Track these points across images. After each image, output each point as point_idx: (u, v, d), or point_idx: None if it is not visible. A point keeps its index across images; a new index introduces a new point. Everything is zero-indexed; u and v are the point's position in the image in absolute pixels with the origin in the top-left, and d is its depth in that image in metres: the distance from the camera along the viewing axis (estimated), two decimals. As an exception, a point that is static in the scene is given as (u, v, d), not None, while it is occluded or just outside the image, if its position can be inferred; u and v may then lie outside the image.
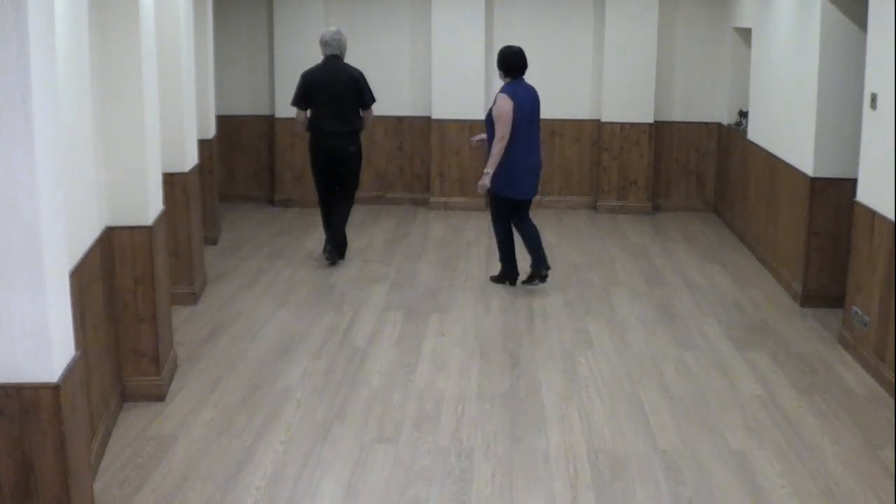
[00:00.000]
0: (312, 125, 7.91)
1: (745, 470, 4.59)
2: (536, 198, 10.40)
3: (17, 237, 3.01)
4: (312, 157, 8.03)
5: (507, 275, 7.56)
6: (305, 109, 7.91)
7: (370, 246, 8.82)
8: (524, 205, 7.45)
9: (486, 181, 7.22)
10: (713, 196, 10.50)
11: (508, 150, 7.11)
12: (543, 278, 7.42)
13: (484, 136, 7.44)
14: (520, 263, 7.60)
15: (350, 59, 10.07)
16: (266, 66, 10.61)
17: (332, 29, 8.05)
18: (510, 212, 7.41)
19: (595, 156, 10.48)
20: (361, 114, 7.94)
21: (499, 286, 7.56)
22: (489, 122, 7.19)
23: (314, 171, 8.08)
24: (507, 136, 7.05)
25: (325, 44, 7.90)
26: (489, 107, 7.34)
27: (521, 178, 7.25)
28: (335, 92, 7.80)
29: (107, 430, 4.80)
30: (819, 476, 4.53)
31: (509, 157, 7.14)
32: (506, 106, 7.02)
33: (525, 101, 7.12)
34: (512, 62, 7.16)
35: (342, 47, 7.93)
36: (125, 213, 5.13)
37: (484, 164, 7.32)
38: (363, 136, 8.24)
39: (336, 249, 8.08)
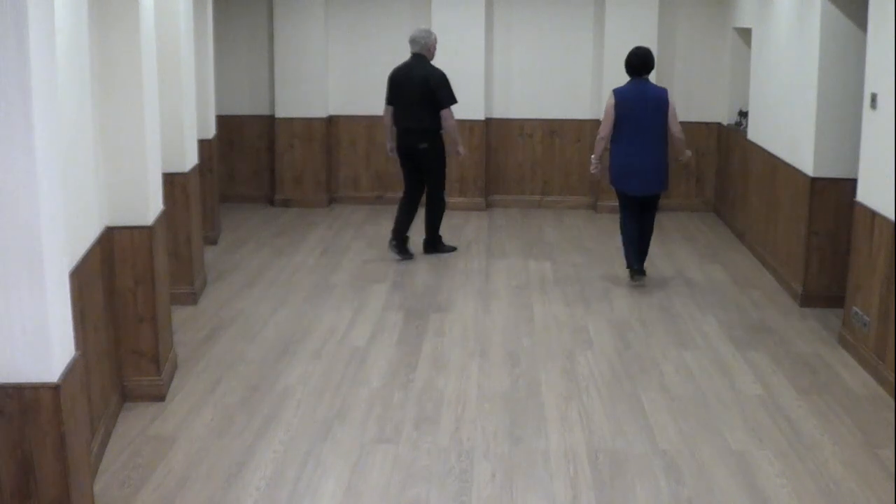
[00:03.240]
0: (394, 121, 8.31)
1: (745, 470, 4.59)
2: (537, 197, 10.56)
3: (17, 237, 3.01)
4: (397, 150, 8.38)
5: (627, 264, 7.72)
6: (390, 105, 8.30)
7: (370, 246, 8.82)
8: (638, 202, 7.51)
9: (592, 167, 7.59)
10: (713, 196, 10.50)
11: (612, 145, 7.41)
12: (633, 275, 7.57)
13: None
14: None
15: (349, 58, 10.06)
16: (266, 66, 10.61)
17: (423, 28, 8.39)
18: (628, 205, 7.54)
19: (595, 156, 10.48)
20: (441, 113, 8.13)
21: (500, 284, 7.57)
22: None
23: (400, 164, 8.48)
24: (603, 131, 7.37)
25: (411, 42, 8.23)
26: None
27: (623, 173, 7.41)
28: (407, 90, 8.13)
29: (107, 430, 4.80)
30: (819, 476, 4.53)
31: (612, 152, 7.44)
32: (608, 101, 7.38)
33: (630, 100, 7.26)
34: (628, 61, 7.34)
35: (429, 46, 8.20)
36: (125, 213, 5.13)
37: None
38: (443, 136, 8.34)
39: (399, 243, 8.32)
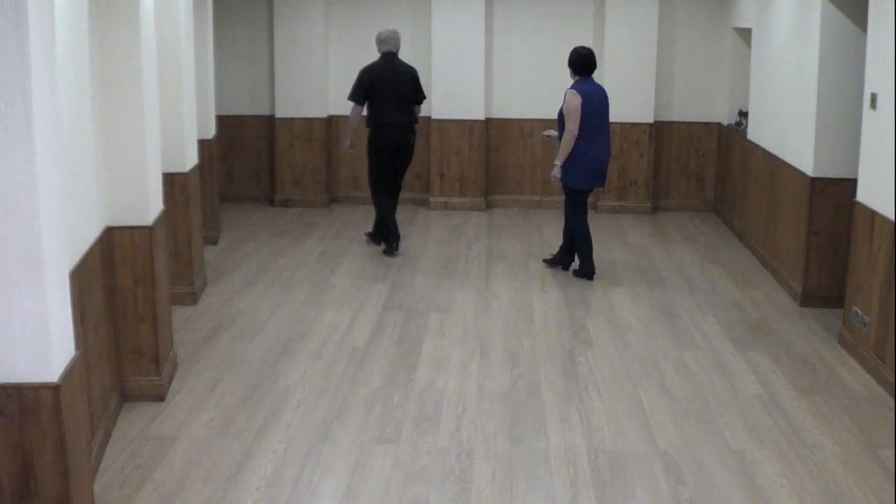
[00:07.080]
0: (375, 118, 8.29)
1: (745, 470, 4.59)
2: (536, 197, 10.56)
3: (17, 237, 3.01)
4: (376, 148, 8.36)
5: (586, 270, 7.81)
6: (363, 104, 8.30)
7: (370, 246, 8.81)
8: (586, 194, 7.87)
9: (556, 172, 7.72)
10: (713, 196, 10.50)
11: (578, 144, 7.53)
12: (565, 265, 7.97)
13: (554, 131, 7.87)
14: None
15: (349, 58, 10.11)
16: (266, 66, 10.61)
17: (390, 28, 8.54)
18: (586, 205, 7.87)
19: (595, 156, 10.47)
20: (420, 107, 8.52)
21: (500, 284, 7.57)
22: (560, 118, 7.63)
23: (380, 162, 8.41)
24: (575, 130, 7.47)
25: (382, 41, 8.35)
26: (559, 105, 7.76)
27: (594, 170, 7.65)
28: (397, 87, 8.27)
29: (107, 430, 4.80)
30: (819, 476, 4.54)
31: (580, 151, 7.56)
32: (574, 101, 7.48)
33: (593, 98, 7.55)
34: (584, 62, 7.62)
35: (398, 45, 8.39)
36: (125, 213, 5.13)
37: (555, 158, 7.80)
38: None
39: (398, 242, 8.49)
